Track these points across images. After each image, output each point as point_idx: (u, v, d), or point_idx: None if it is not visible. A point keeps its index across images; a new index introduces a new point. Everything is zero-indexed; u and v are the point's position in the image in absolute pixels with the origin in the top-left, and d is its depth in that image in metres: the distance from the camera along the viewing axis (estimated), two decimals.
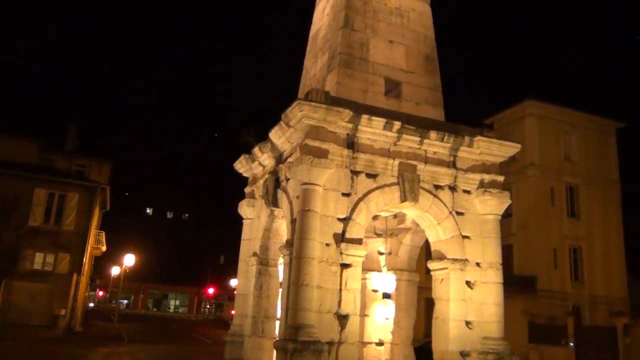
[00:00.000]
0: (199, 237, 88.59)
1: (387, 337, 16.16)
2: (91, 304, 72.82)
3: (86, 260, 33.63)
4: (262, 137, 15.66)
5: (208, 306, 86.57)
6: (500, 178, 14.73)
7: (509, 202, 14.73)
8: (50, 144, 41.75)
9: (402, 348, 15.95)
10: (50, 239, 31.55)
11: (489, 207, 14.39)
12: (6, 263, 29.33)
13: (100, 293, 76.43)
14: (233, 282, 51.04)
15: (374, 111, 13.68)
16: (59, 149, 43.14)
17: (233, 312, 19.36)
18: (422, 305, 27.00)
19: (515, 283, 30.08)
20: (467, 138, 14.39)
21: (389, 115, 13.75)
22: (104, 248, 39.33)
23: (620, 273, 35.40)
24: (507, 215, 30.31)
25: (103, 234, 39.02)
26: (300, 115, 12.96)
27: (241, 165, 17.55)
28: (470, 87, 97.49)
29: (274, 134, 14.64)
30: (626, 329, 28.38)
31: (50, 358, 18.34)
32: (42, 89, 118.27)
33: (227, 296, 72.77)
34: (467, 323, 13.63)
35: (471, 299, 13.83)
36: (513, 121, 35.94)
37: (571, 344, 29.44)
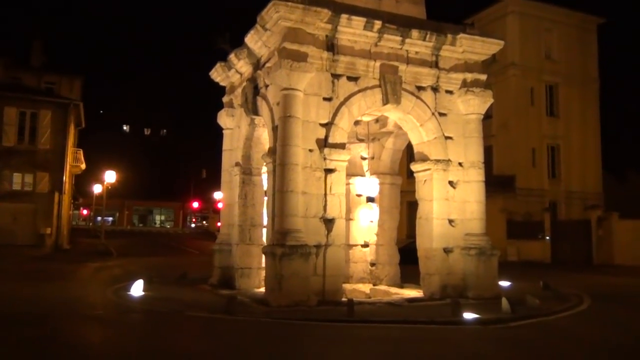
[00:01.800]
0: (179, 152, 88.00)
1: (372, 239, 16.58)
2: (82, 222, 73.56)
3: (66, 178, 33.25)
4: (238, 43, 15.05)
5: (194, 219, 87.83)
6: (483, 76, 14.56)
7: (492, 100, 14.66)
8: (16, 60, 39.92)
9: (386, 248, 16.42)
10: (27, 158, 30.97)
11: (471, 106, 14.30)
12: None
13: (85, 211, 76.66)
14: (217, 195, 51.34)
15: (353, 10, 13.15)
16: (25, 65, 41.29)
17: (219, 223, 19.55)
18: (404, 208, 27.55)
19: (495, 183, 30.69)
20: (449, 36, 14.03)
21: (369, 14, 13.25)
22: (83, 166, 38.83)
23: (596, 169, 36.29)
24: (487, 117, 30.26)
25: (81, 152, 38.37)
26: (277, 17, 12.41)
27: (217, 74, 16.99)
28: None
29: (250, 39, 14.07)
30: (599, 221, 29.53)
31: (41, 275, 18.56)
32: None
33: (212, 209, 73.56)
34: (450, 221, 13.97)
35: (454, 198, 14.08)
36: (494, 20, 35.09)
37: (547, 237, 30.69)
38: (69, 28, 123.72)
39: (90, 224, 69.58)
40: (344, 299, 12.13)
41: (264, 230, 15.07)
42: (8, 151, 30.48)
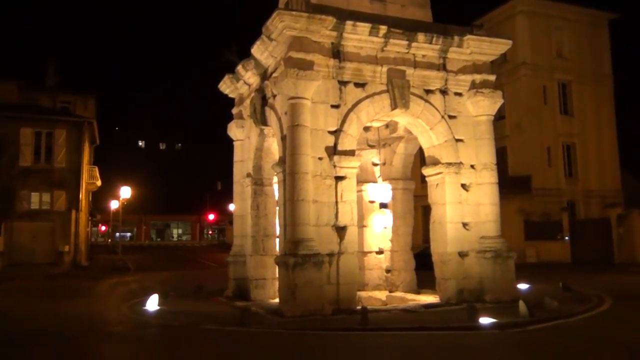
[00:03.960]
0: (194, 165, 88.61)
1: (387, 245, 16.45)
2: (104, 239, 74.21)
3: (82, 196, 33.64)
4: (247, 54, 15.10)
5: (210, 232, 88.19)
6: (492, 77, 14.42)
7: (502, 101, 14.50)
8: (31, 82, 40.53)
9: (401, 254, 16.27)
10: (43, 177, 31.40)
11: (481, 107, 14.17)
12: (3, 205, 29.35)
13: (103, 228, 77.40)
14: (232, 207, 51.65)
15: (358, 16, 13.13)
16: (40, 87, 41.90)
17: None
18: (419, 213, 27.34)
19: (510, 184, 30.40)
20: (456, 38, 13.94)
21: (375, 20, 13.21)
22: (98, 183, 39.26)
23: (614, 166, 35.71)
24: (500, 118, 30.11)
25: (96, 169, 38.82)
26: (282, 27, 12.42)
27: (226, 86, 17.05)
28: None
29: (257, 50, 14.11)
30: (620, 219, 29.02)
31: (58, 292, 18.69)
32: (13, 25, 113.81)
33: (228, 220, 73.83)
34: (464, 224, 13.80)
35: (467, 201, 13.92)
36: (503, 20, 34.85)
37: (566, 237, 30.23)
38: (81, 47, 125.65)
39: (109, 240, 70.24)
40: (359, 307, 12.01)
41: (277, 241, 15.02)
42: (25, 171, 30.88)
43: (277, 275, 13.33)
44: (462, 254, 13.63)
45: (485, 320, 10.29)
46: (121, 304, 15.03)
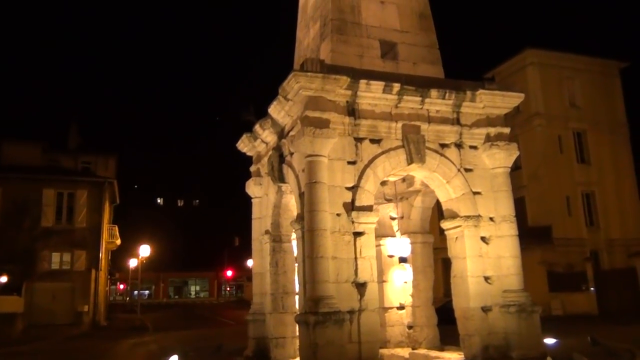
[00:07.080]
0: (212, 221, 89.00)
1: (408, 301, 16.19)
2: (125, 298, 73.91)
3: (102, 255, 33.92)
4: (263, 114, 15.47)
5: (228, 288, 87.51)
6: (506, 130, 14.51)
7: (517, 153, 14.52)
8: (54, 144, 41.81)
9: (423, 310, 15.98)
10: (65, 237, 31.82)
11: (497, 160, 14.20)
12: (25, 266, 29.68)
13: (121, 286, 77.32)
14: (250, 263, 51.43)
15: (371, 75, 13.44)
16: (62, 148, 43.22)
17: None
18: (439, 266, 27.10)
19: (531, 234, 30.01)
20: (469, 93, 14.14)
21: (388, 78, 13.50)
22: (118, 242, 39.59)
23: (635, 214, 35.23)
24: (516, 168, 30.10)
25: (116, 228, 39.24)
26: (297, 87, 12.75)
27: (244, 145, 17.39)
28: (468, 41, 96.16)
29: (273, 109, 14.45)
30: None
31: (77, 354, 18.58)
32: (36, 91, 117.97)
33: (246, 277, 73.39)
34: (486, 278, 13.57)
35: (488, 254, 13.74)
36: (514, 72, 35.43)
37: (592, 288, 29.50)
38: (102, 108, 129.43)
39: (127, 298, 69.98)
40: None
41: (297, 298, 14.90)
42: (47, 231, 31.38)
43: (298, 334, 13.16)
44: (486, 309, 13.35)
45: None
46: None
